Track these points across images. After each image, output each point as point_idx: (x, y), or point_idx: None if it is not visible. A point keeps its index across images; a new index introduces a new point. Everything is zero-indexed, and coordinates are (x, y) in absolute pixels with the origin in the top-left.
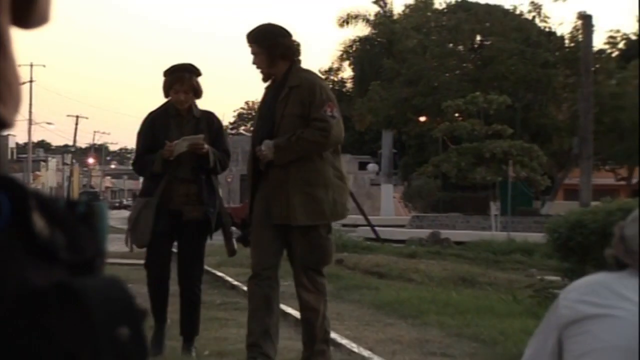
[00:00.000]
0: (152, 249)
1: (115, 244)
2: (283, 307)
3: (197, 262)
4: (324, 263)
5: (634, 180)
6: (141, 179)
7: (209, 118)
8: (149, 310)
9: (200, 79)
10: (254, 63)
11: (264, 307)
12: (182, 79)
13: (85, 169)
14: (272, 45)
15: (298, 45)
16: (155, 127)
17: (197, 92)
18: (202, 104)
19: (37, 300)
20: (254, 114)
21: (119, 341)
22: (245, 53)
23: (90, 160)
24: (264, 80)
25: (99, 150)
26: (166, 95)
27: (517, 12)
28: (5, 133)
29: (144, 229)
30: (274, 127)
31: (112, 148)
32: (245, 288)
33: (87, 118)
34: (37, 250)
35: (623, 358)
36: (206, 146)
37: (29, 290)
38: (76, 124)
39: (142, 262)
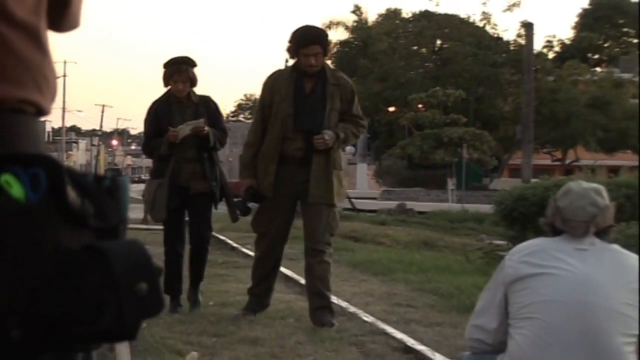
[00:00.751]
0: (168, 225)
1: (135, 212)
2: None
3: (206, 227)
4: (336, 227)
5: (567, 161)
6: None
7: (207, 102)
8: (163, 269)
9: (203, 73)
10: (313, 63)
11: (273, 273)
12: (180, 70)
13: (110, 149)
14: (327, 46)
15: None
16: (159, 114)
17: (193, 81)
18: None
19: (69, 260)
20: (251, 104)
21: (139, 295)
22: (244, 50)
23: (114, 142)
24: (310, 75)
25: (122, 134)
26: (166, 85)
27: (471, 20)
28: (43, 119)
29: (160, 207)
30: (323, 119)
31: (133, 132)
32: (244, 250)
33: (111, 107)
34: (70, 218)
35: (558, 309)
36: (206, 128)
37: (63, 252)
38: (102, 111)
39: (157, 227)
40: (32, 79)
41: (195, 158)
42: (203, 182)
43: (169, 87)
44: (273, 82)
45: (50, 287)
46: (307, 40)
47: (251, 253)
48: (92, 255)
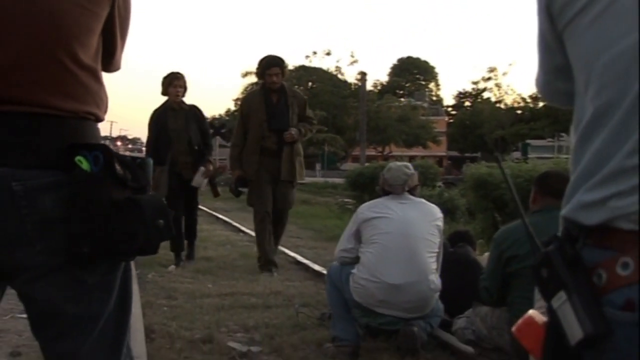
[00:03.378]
0: (171, 199)
1: None
2: (218, 214)
3: (194, 203)
4: (293, 202)
5: (385, 153)
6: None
7: (195, 110)
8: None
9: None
10: (275, 80)
11: (269, 233)
12: (178, 77)
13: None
14: (284, 69)
15: None
16: (159, 119)
17: (185, 90)
18: None
19: (117, 206)
20: None
21: (159, 227)
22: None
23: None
24: (274, 90)
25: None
26: (164, 92)
27: (330, 70)
28: (98, 125)
29: (163, 186)
30: (289, 120)
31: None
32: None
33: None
34: (117, 181)
35: (390, 237)
36: (210, 167)
37: (113, 201)
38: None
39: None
40: (93, 99)
41: (186, 151)
42: (192, 171)
43: (167, 96)
44: (249, 98)
45: (106, 221)
46: (270, 64)
47: (205, 208)
48: (130, 204)
